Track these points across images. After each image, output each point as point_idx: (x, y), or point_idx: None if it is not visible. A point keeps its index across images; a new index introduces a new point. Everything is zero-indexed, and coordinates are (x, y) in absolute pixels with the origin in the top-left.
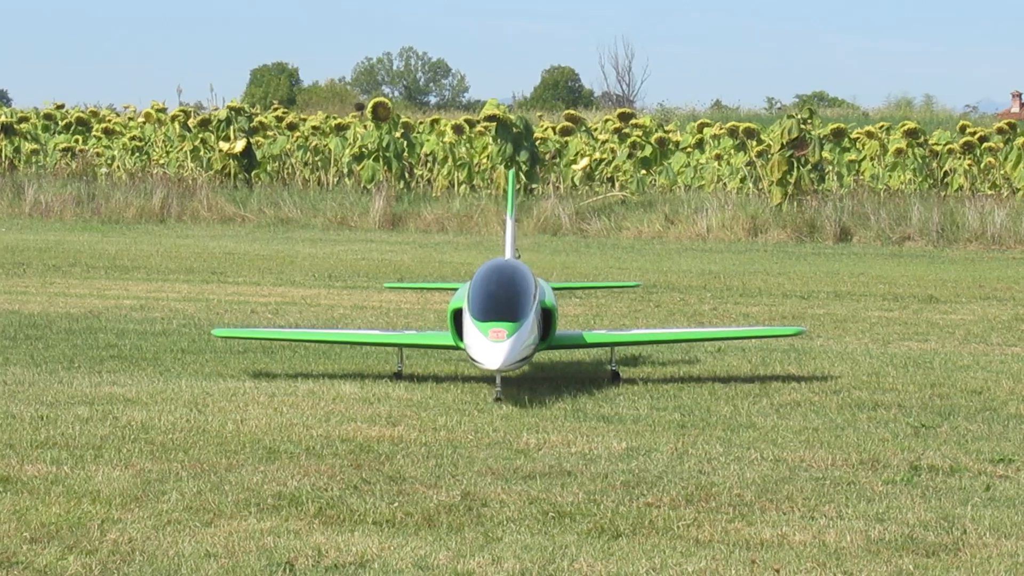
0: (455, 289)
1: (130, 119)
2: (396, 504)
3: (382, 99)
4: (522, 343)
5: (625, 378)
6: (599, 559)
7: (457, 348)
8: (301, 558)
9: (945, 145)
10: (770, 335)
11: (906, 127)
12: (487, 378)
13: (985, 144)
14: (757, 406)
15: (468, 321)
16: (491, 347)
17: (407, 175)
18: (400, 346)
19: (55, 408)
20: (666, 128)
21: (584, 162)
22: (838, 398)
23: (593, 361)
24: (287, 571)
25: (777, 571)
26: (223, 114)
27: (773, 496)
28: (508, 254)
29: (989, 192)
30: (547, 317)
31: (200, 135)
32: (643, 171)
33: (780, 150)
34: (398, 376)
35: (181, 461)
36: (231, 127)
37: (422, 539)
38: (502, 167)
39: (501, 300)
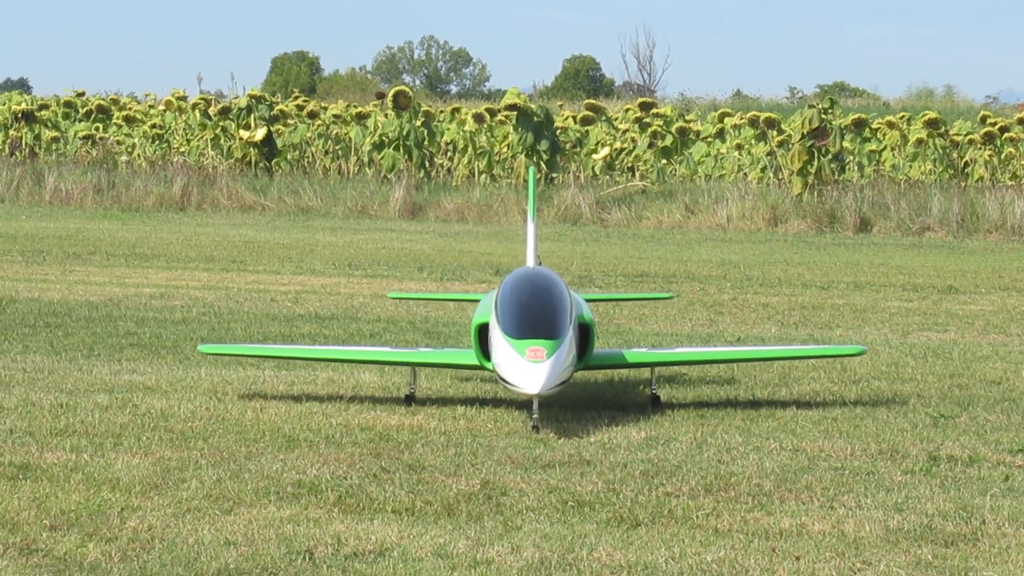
0: (471, 300)
1: (150, 107)
2: (415, 493)
3: (403, 88)
4: (562, 363)
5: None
6: (618, 548)
7: (483, 368)
8: (320, 546)
9: (966, 135)
10: (828, 355)
11: (927, 117)
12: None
13: (1006, 135)
14: (776, 396)
15: (499, 338)
16: (529, 368)
17: (427, 164)
18: (413, 365)
19: (75, 396)
20: (687, 118)
21: (605, 151)
22: (857, 388)
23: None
24: (306, 559)
25: (798, 559)
26: (244, 102)
27: (792, 486)
28: (530, 261)
29: (1009, 183)
30: (584, 334)
31: (220, 123)
32: (664, 161)
33: (801, 140)
34: (410, 400)
35: (201, 449)
36: (251, 115)
37: (441, 528)
38: (522, 156)
39: (538, 314)
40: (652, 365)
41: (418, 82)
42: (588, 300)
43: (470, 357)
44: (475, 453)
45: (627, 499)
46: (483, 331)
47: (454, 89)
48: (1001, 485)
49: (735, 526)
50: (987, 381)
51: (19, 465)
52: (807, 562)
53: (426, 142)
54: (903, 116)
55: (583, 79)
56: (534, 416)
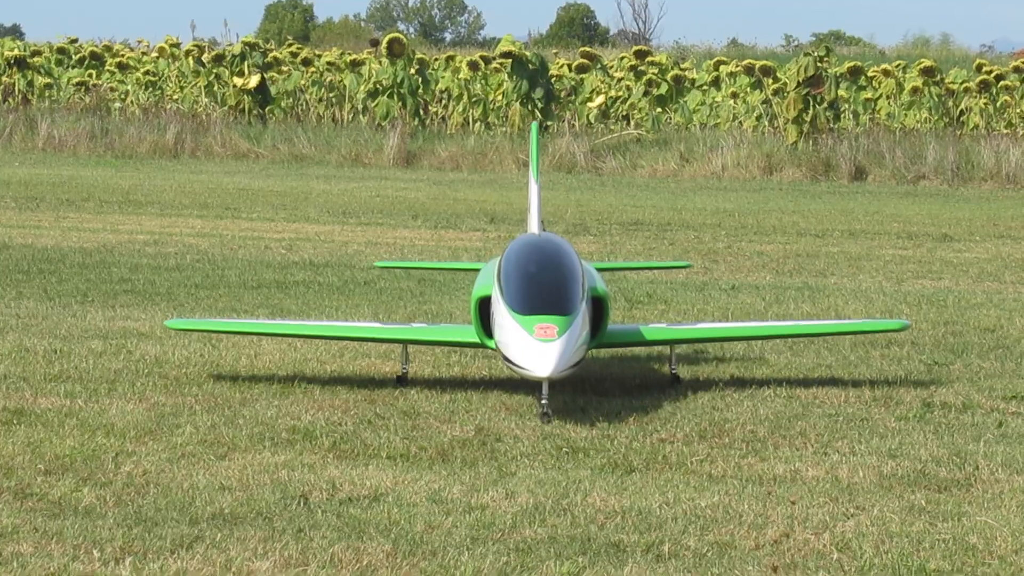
0: (469, 270)
1: (144, 54)
2: (410, 439)
3: (397, 35)
4: (575, 341)
5: (640, 318)
6: (612, 493)
7: (484, 347)
8: (315, 491)
9: (961, 84)
10: (868, 330)
11: (922, 65)
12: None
13: (1001, 83)
14: (770, 343)
15: (503, 314)
16: (538, 348)
17: (422, 112)
18: (405, 343)
19: (69, 342)
20: (682, 66)
21: (599, 100)
22: (851, 335)
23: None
24: (301, 504)
25: (793, 503)
26: (237, 49)
27: (786, 432)
28: (534, 227)
29: (1005, 131)
30: (597, 308)
31: (214, 70)
32: (658, 109)
33: (796, 88)
34: (402, 381)
35: (195, 395)
36: (245, 62)
37: (436, 473)
38: (517, 104)
39: (547, 287)
40: (673, 342)
41: (412, 30)
42: (600, 269)
43: (469, 334)
44: (469, 399)
45: (621, 445)
46: (484, 305)
47: (449, 37)
48: (994, 431)
49: (729, 472)
50: (981, 328)
51: (13, 410)
52: (801, 507)
53: (420, 90)
54: (899, 64)
55: (578, 27)
56: (543, 402)
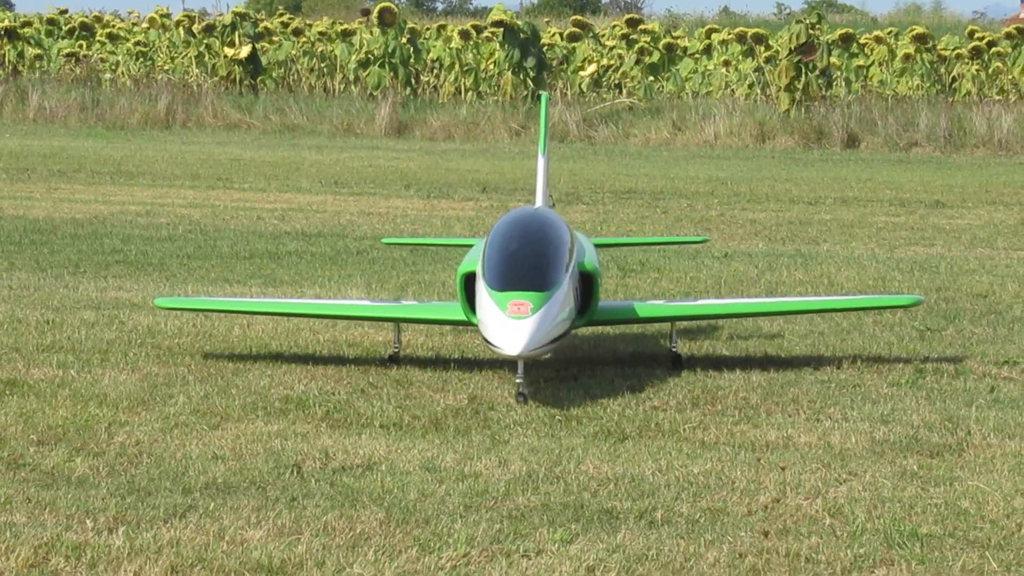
0: (468, 246)
1: (134, 24)
2: (403, 408)
3: (388, 4)
4: (552, 319)
5: (632, 286)
6: (605, 461)
7: (470, 324)
8: (308, 460)
9: (953, 51)
10: (878, 306)
11: (914, 32)
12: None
13: (993, 49)
14: None
15: (482, 290)
16: (510, 325)
17: (413, 81)
18: (396, 321)
19: (61, 312)
20: (674, 34)
21: (591, 68)
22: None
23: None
24: (294, 473)
25: (783, 469)
26: (228, 19)
27: (779, 399)
28: (539, 201)
29: (997, 98)
30: (587, 284)
31: (205, 41)
32: (651, 77)
33: (788, 56)
34: (393, 360)
35: (188, 365)
36: (236, 33)
37: (429, 442)
38: (509, 73)
39: (525, 262)
40: (671, 319)
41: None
42: (614, 245)
43: (456, 312)
44: (462, 368)
45: (614, 413)
46: (469, 282)
47: (440, 6)
48: (986, 396)
49: (722, 439)
50: (973, 294)
51: (6, 381)
52: (793, 473)
53: (412, 59)
54: (891, 31)
55: None
56: (518, 380)
